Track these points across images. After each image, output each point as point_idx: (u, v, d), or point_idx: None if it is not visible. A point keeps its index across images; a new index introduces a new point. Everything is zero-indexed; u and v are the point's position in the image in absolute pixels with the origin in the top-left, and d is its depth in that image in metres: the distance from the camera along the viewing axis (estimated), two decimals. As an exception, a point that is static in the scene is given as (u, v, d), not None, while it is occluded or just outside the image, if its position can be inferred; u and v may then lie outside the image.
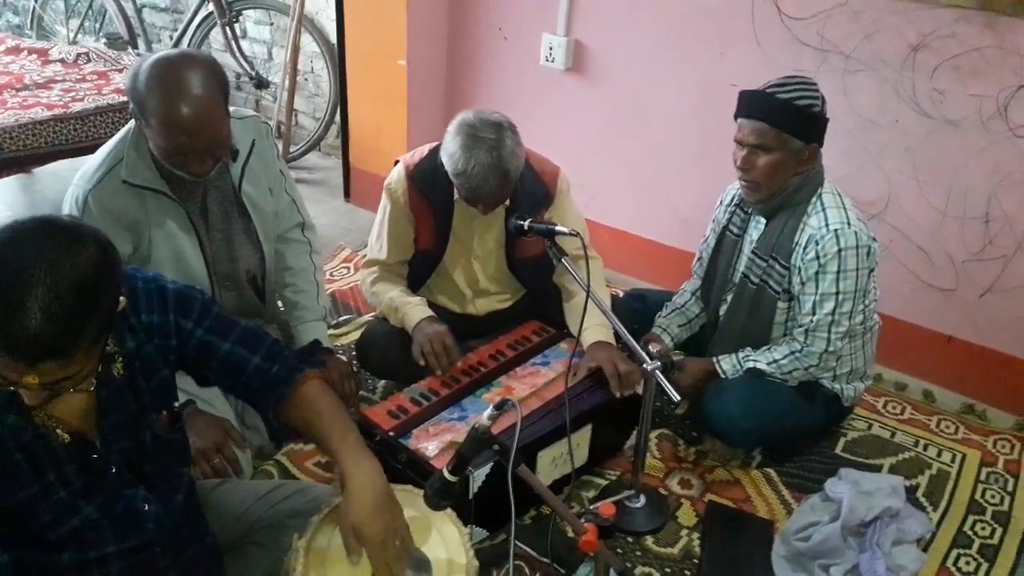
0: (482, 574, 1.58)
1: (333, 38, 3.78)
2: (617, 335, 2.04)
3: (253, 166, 2.03)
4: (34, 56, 3.48)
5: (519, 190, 2.15)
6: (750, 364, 2.16)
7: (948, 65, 2.39)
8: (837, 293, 2.04)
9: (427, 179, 2.19)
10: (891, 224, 2.63)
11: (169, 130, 1.71)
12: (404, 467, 1.83)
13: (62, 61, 3.44)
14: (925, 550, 2.02)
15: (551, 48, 3.13)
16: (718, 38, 2.80)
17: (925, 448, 2.42)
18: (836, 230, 2.01)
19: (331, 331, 2.81)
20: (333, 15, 3.65)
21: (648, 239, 3.21)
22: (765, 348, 2.18)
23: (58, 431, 1.25)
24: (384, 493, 1.37)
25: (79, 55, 3.47)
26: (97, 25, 4.92)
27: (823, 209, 2.05)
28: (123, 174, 1.83)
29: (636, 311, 2.45)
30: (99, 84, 3.19)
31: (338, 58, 3.68)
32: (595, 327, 2.15)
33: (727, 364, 2.19)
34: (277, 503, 1.65)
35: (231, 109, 1.89)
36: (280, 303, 2.29)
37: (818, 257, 2.02)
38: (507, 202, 2.17)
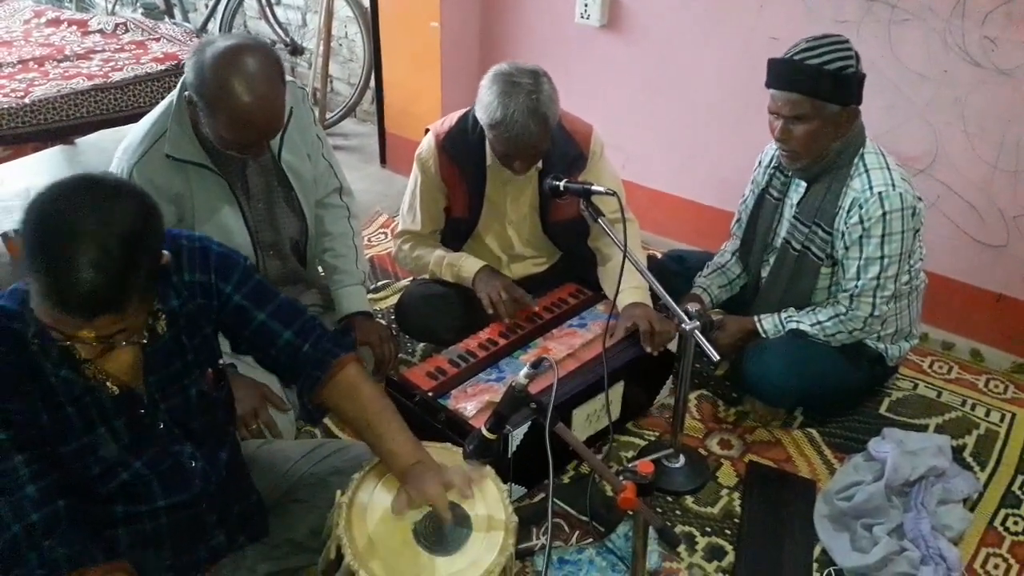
0: (521, 531, 1.60)
1: (366, 2, 3.76)
2: (655, 295, 2.02)
3: (292, 134, 2.03)
4: (74, 27, 3.53)
5: (552, 152, 2.12)
6: (792, 325, 2.12)
7: (1000, 12, 2.29)
8: (882, 257, 1.98)
9: (457, 146, 2.17)
10: (938, 179, 2.55)
11: (238, 127, 1.74)
12: (443, 427, 1.85)
13: (101, 32, 3.47)
14: (972, 510, 1.99)
15: (586, 5, 3.07)
16: (758, -11, 2.72)
17: (973, 408, 2.36)
18: (880, 192, 1.95)
19: (369, 295, 2.83)
20: (365, -22, 3.63)
21: (686, 199, 3.17)
22: (809, 309, 2.13)
23: (108, 384, 1.29)
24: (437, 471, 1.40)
25: (117, 25, 3.51)
26: (135, -4, 4.96)
27: (866, 171, 1.99)
28: (166, 148, 1.84)
29: (675, 273, 2.42)
30: (137, 54, 3.22)
31: (371, 22, 3.66)
32: (631, 289, 2.13)
33: (768, 323, 2.15)
34: (319, 461, 1.69)
35: None
36: (320, 268, 2.31)
37: (862, 221, 1.96)
38: (540, 164, 2.15)
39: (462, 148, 2.17)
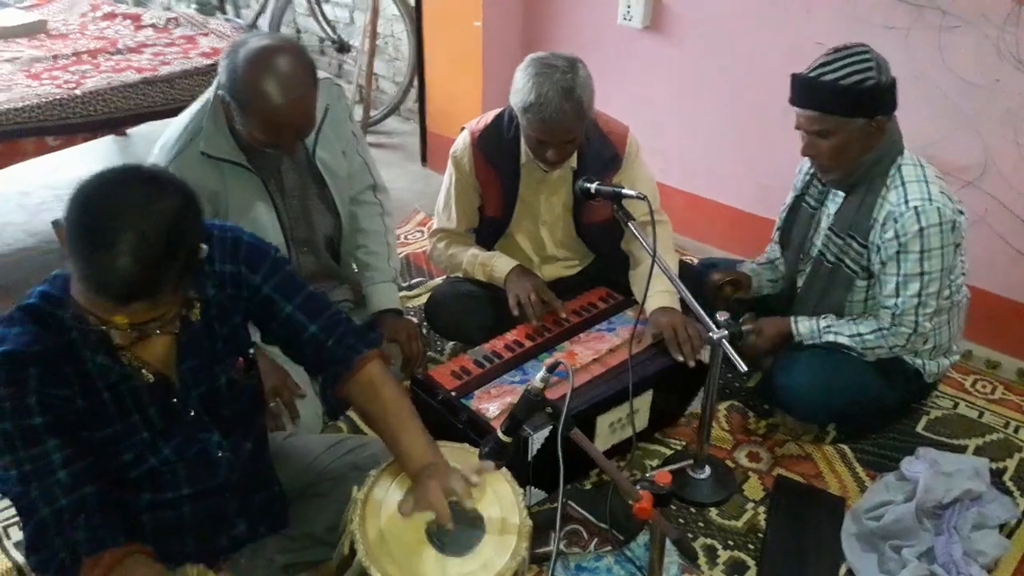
0: (538, 535, 1.59)
1: (412, 0, 3.79)
2: (684, 302, 1.99)
3: (326, 131, 2.04)
4: (128, 21, 3.62)
5: (587, 152, 2.11)
6: (830, 337, 2.05)
7: (1058, 19, 2.21)
8: (922, 274, 1.92)
9: (492, 144, 2.17)
10: (987, 192, 2.46)
11: (270, 127, 1.76)
12: (465, 427, 1.85)
13: (153, 26, 3.56)
14: (1009, 536, 1.92)
15: (629, 6, 3.04)
16: (804, -7, 2.66)
17: (1016, 430, 2.28)
18: (916, 207, 1.88)
19: (403, 293, 2.85)
20: (412, -23, 3.65)
21: (725, 204, 3.12)
22: (850, 319, 2.07)
23: (143, 371, 1.33)
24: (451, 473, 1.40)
25: (169, 20, 3.59)
26: (190, -9, 5.08)
27: (902, 183, 1.93)
28: (201, 146, 1.86)
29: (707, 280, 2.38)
30: (186, 48, 3.30)
31: (416, 20, 3.68)
32: (659, 293, 2.10)
33: (804, 327, 2.08)
34: (340, 456, 1.70)
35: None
36: (353, 264, 2.32)
37: (897, 236, 1.90)
38: (574, 165, 2.13)
39: (497, 146, 2.17)
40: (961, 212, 1.95)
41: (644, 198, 1.88)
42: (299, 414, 1.90)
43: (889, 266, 1.95)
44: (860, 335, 2.03)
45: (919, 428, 2.27)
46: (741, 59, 2.89)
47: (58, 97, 2.74)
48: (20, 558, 1.84)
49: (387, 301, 2.17)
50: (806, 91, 1.89)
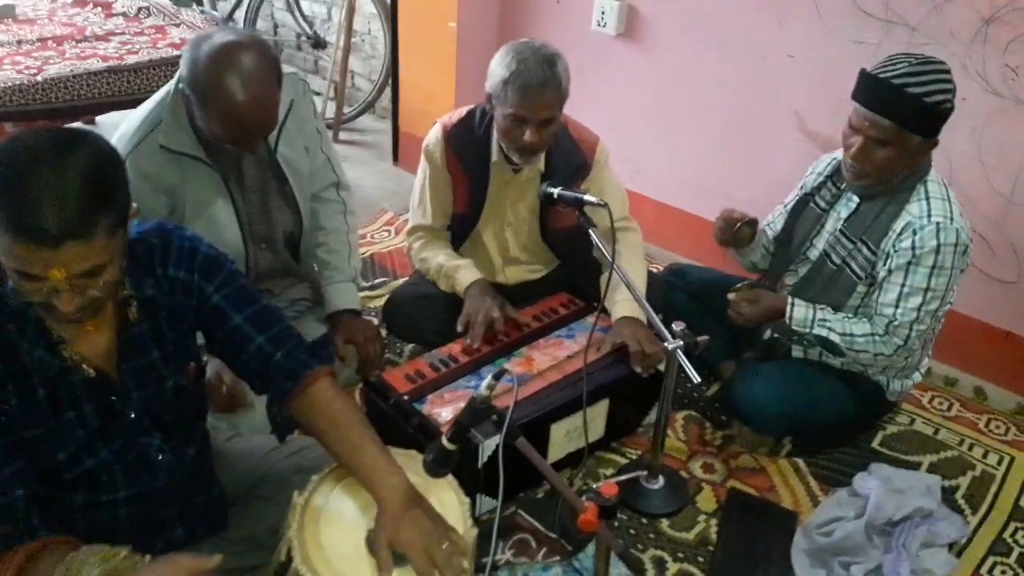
0: (485, 544, 1.56)
1: (389, -1, 3.76)
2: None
3: (289, 127, 2.01)
4: (99, 9, 3.57)
5: (555, 156, 2.10)
6: (821, 331, 2.01)
7: (1022, 40, 2.21)
8: (927, 289, 1.90)
9: (463, 139, 2.16)
10: (951, 210, 2.48)
11: (230, 124, 1.73)
12: (415, 432, 1.82)
13: (124, 15, 3.52)
14: (959, 555, 1.92)
15: (603, 12, 3.04)
16: (776, 6, 2.66)
17: (970, 448, 2.29)
18: (938, 223, 1.87)
19: (366, 293, 2.83)
20: (388, -25, 3.62)
21: (694, 214, 3.11)
22: (846, 317, 2.03)
23: (83, 366, 1.29)
24: (414, 500, 1.33)
25: (140, 9, 3.54)
26: (166, -19, 5.01)
27: (927, 198, 1.91)
28: (160, 139, 1.83)
29: (675, 287, 2.38)
30: (156, 38, 3.25)
31: (392, 19, 3.65)
32: (625, 301, 2.09)
33: (799, 313, 2.03)
34: (285, 457, 1.66)
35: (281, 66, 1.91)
36: (313, 263, 2.29)
37: (914, 247, 1.88)
38: (542, 168, 2.12)
39: (467, 142, 2.15)
40: (971, 240, 1.93)
41: (605, 205, 1.86)
42: (252, 401, 1.84)
43: (895, 275, 1.93)
44: (852, 335, 1.99)
45: (875, 443, 2.28)
46: (713, 69, 2.89)
47: (18, 83, 2.69)
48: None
49: (346, 301, 2.14)
50: (885, 96, 1.81)
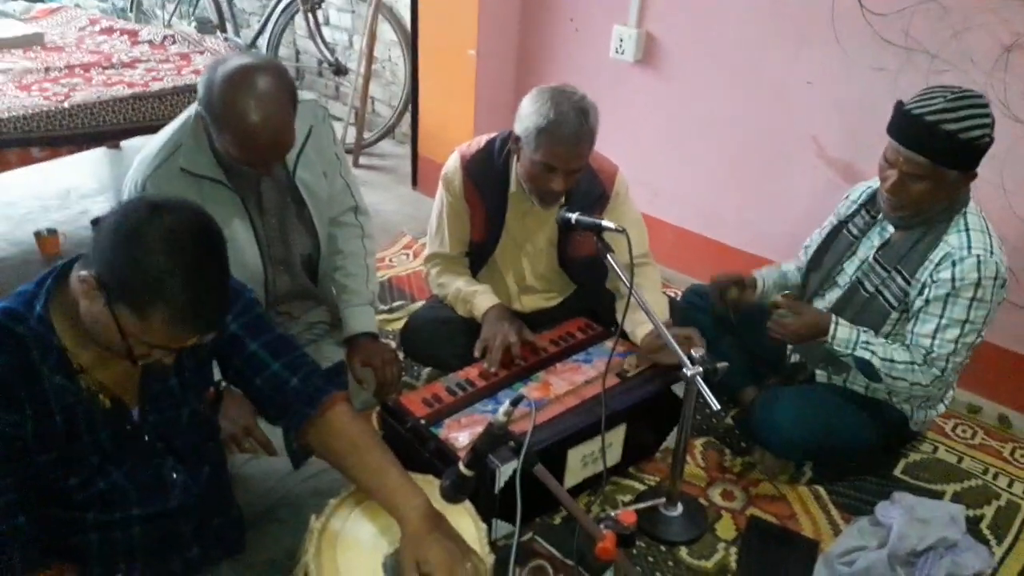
0: (502, 570, 1.55)
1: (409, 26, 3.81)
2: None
3: (309, 152, 2.03)
4: (125, 36, 3.63)
5: (575, 188, 2.08)
6: (863, 353, 1.97)
7: (1044, 67, 2.22)
8: (965, 322, 1.88)
9: (482, 169, 2.16)
10: (973, 236, 2.46)
11: (244, 146, 1.76)
12: (432, 456, 1.82)
13: (150, 42, 3.57)
14: (984, 587, 1.88)
15: (621, 40, 3.06)
16: (794, 33, 2.67)
17: (995, 477, 2.25)
18: (979, 256, 1.86)
19: (384, 316, 2.84)
20: (409, 2, 3.67)
21: (712, 239, 3.11)
22: (889, 342, 2.00)
23: (100, 396, 1.30)
24: (437, 521, 1.34)
25: (166, 37, 3.60)
26: (191, 9, 5.11)
27: (966, 230, 1.90)
28: (181, 162, 1.86)
29: (696, 307, 2.37)
30: (180, 65, 3.30)
31: (412, 46, 3.70)
32: (647, 323, 2.08)
33: (843, 333, 1.99)
34: (302, 481, 1.67)
35: (298, 92, 1.93)
36: (332, 287, 2.30)
37: (953, 279, 1.86)
38: (562, 200, 2.12)
39: (487, 172, 2.15)
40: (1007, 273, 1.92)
41: (623, 231, 1.86)
42: (275, 451, 1.85)
43: (933, 306, 1.90)
44: (892, 361, 1.96)
45: (897, 471, 2.24)
46: (731, 96, 2.90)
47: (45, 109, 2.73)
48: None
49: (363, 324, 2.14)
50: (919, 134, 1.80)
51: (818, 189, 2.73)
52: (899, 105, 1.87)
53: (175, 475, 1.43)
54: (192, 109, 1.90)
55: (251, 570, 1.57)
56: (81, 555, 1.36)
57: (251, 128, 1.71)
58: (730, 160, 2.98)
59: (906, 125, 1.83)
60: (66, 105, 2.77)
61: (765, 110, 2.83)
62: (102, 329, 1.21)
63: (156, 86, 3.02)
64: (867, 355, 1.97)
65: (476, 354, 2.10)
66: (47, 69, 3.13)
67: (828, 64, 2.62)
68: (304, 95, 2.13)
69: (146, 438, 1.38)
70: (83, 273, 1.19)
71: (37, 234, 3.15)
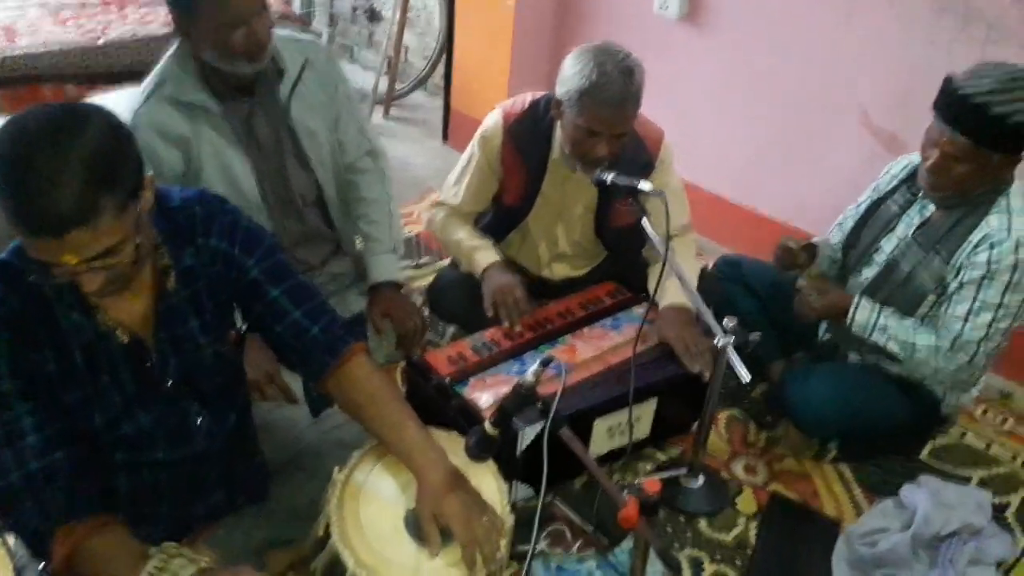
0: (521, 532, 1.55)
1: (446, -27, 3.73)
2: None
3: (303, 90, 2.00)
4: (162, -27, 3.58)
5: (619, 155, 1.99)
6: (879, 339, 1.94)
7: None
8: (999, 306, 1.82)
9: (525, 132, 2.09)
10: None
11: (219, 14, 1.74)
12: (456, 414, 1.81)
13: (185, -20, 3.52)
14: (1007, 575, 1.86)
15: (666, -5, 2.97)
16: (846, -5, 2.57)
17: (1024, 465, 2.22)
18: (1018, 239, 1.79)
19: (411, 272, 2.82)
20: (447, -52, 3.59)
21: (749, 208, 3.05)
22: (910, 325, 1.95)
23: (117, 332, 1.29)
24: (453, 474, 1.35)
25: (202, -26, 3.54)
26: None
27: (1008, 212, 1.83)
28: (168, 90, 1.85)
29: (728, 278, 2.32)
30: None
31: (448, -6, 3.62)
32: (675, 289, 2.05)
33: (862, 316, 1.96)
34: (326, 431, 1.68)
35: (290, 32, 2.01)
36: (357, 238, 2.28)
37: (989, 262, 1.81)
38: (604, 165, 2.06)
39: (529, 135, 2.09)
40: None
41: (661, 194, 1.81)
42: (296, 397, 1.86)
43: (967, 289, 1.85)
44: (913, 345, 1.92)
45: (923, 455, 2.21)
46: (777, 59, 2.81)
47: (80, 45, 2.72)
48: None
49: (385, 272, 2.10)
50: (964, 115, 1.73)
51: (862, 159, 2.66)
52: (947, 81, 1.79)
53: (199, 420, 1.44)
54: (176, 44, 1.89)
55: (274, 518, 1.59)
56: (110, 497, 1.37)
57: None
58: (772, 126, 2.90)
59: (952, 104, 1.76)
60: (100, 42, 2.76)
61: (812, 75, 2.74)
62: None
63: (191, 25, 2.98)
64: (883, 340, 1.94)
65: (489, 313, 2.06)
66: (82, 4, 3.10)
67: (880, 30, 2.52)
68: (303, 35, 2.12)
69: (170, 382, 1.38)
70: None
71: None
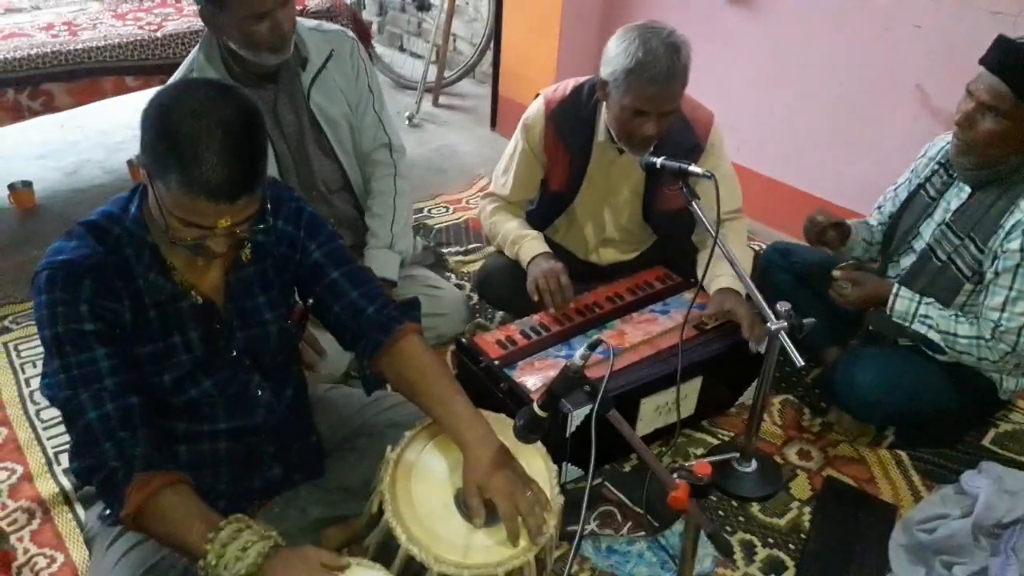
0: (570, 513, 1.56)
1: (494, -39, 3.73)
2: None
3: (327, 78, 2.06)
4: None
5: (665, 137, 1.97)
6: (921, 329, 1.91)
7: None
8: None
9: (568, 117, 2.09)
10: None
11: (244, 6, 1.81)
12: (504, 397, 1.82)
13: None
14: (1073, 565, 1.80)
15: (716, -23, 2.92)
16: (904, -29, 2.50)
17: (1091, 453, 2.14)
18: None
19: (459, 258, 2.85)
20: (495, -64, 3.58)
21: (800, 190, 2.99)
22: (951, 315, 1.90)
23: (192, 292, 1.36)
24: (500, 450, 1.36)
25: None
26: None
27: None
28: (194, 76, 1.94)
29: (779, 266, 2.29)
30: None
31: (497, -19, 3.63)
32: (727, 275, 2.02)
33: (901, 305, 1.93)
34: (380, 412, 1.71)
35: (314, 21, 2.12)
36: None
37: (1022, 249, 1.76)
38: (650, 148, 2.04)
39: (572, 120, 2.08)
40: None
41: (711, 176, 1.78)
42: (323, 348, 1.90)
43: (1003, 278, 1.80)
44: (954, 335, 1.88)
45: (985, 441, 2.15)
46: (829, 37, 2.74)
47: (139, 38, 2.79)
48: (68, 484, 1.91)
49: (379, 269, 2.09)
50: (1008, 59, 1.69)
51: (919, 141, 2.56)
52: (1000, 37, 1.74)
53: (260, 392, 1.49)
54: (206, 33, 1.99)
55: (328, 495, 1.63)
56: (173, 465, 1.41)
57: None
58: (825, 106, 2.84)
59: (1000, 49, 1.71)
60: (159, 35, 2.82)
61: (866, 54, 2.67)
62: (155, 213, 1.24)
63: (244, 18, 3.04)
64: (924, 329, 1.90)
65: (534, 298, 2.06)
66: (141, -1, 3.19)
67: (939, 5, 2.45)
68: (332, 26, 2.20)
69: (234, 352, 1.43)
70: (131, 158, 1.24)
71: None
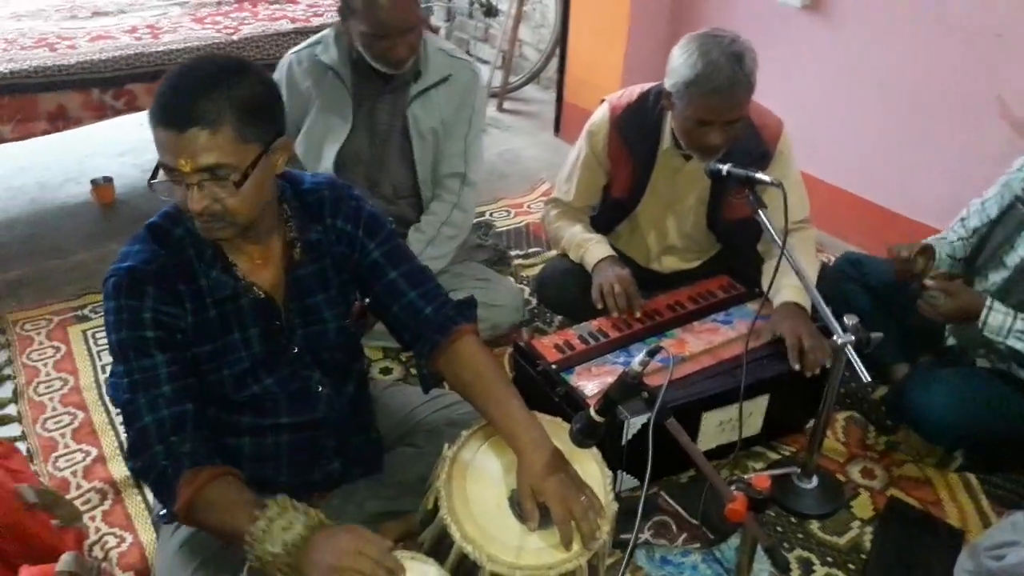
0: (624, 520, 1.55)
1: (562, -33, 3.73)
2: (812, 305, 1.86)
3: (433, 96, 2.16)
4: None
5: (733, 144, 1.94)
6: (1017, 345, 1.83)
7: None
8: None
9: (632, 124, 2.07)
10: None
11: (369, 10, 1.98)
12: (561, 401, 1.82)
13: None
14: None
15: (789, -17, 2.87)
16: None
17: None
18: None
19: (519, 262, 2.86)
20: (564, -58, 3.59)
21: (871, 202, 2.91)
22: None
23: (255, 288, 1.40)
24: (554, 454, 1.36)
25: (329, -26, 3.69)
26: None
27: None
28: (318, 50, 2.18)
29: (849, 278, 2.22)
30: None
31: (564, -13, 3.63)
32: (791, 287, 1.98)
33: (996, 319, 1.84)
34: (438, 410, 1.73)
35: (449, 45, 2.33)
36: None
37: None
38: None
39: (637, 127, 2.07)
40: None
41: (779, 185, 1.74)
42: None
43: None
44: None
45: (1063, 468, 2.06)
46: (906, 47, 2.67)
47: (217, 41, 2.89)
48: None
49: None
50: None
51: (999, 155, 2.48)
52: None
53: (321, 388, 1.52)
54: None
55: (386, 490, 1.65)
56: (234, 457, 1.46)
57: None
58: (899, 117, 2.76)
59: None
60: (235, 38, 2.92)
61: (943, 64, 2.59)
62: None
63: (316, 21, 3.13)
64: (1020, 345, 1.82)
65: (598, 305, 2.05)
66: (219, 3, 3.29)
67: (1020, 16, 2.35)
68: (462, 55, 2.32)
69: (295, 349, 1.47)
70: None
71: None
